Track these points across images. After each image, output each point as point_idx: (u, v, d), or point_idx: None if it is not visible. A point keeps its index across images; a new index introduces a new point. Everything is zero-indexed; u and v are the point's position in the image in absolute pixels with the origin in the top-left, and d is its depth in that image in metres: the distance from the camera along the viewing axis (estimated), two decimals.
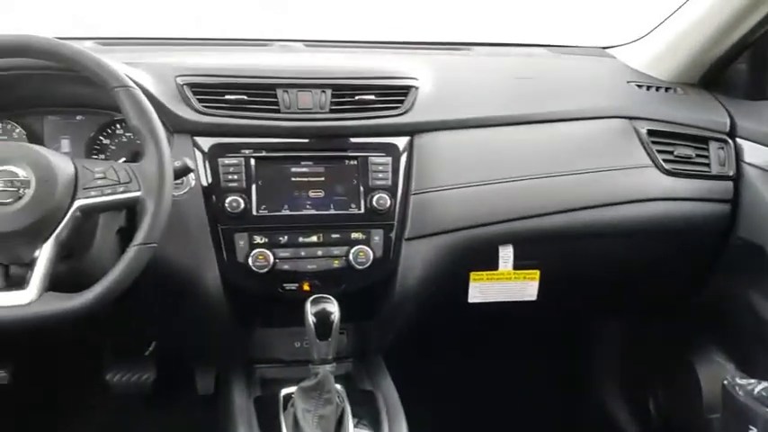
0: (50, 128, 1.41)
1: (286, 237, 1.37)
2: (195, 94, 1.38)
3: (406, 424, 1.36)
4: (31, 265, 1.08)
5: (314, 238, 1.38)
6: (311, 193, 1.39)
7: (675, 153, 1.58)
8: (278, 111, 1.40)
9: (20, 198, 1.08)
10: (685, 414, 1.85)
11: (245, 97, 1.39)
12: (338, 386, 1.33)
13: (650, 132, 1.58)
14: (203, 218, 1.35)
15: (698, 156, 1.59)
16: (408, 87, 1.47)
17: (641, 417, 2.03)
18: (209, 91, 1.39)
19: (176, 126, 1.36)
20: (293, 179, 1.39)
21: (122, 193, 1.12)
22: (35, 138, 1.39)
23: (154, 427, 1.99)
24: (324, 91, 1.42)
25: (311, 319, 1.27)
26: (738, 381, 1.45)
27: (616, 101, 1.64)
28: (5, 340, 1.74)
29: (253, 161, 1.38)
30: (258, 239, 1.36)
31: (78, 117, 1.42)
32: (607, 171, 1.53)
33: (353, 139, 1.43)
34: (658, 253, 1.64)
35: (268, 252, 1.35)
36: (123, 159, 1.38)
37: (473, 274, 1.53)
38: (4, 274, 1.10)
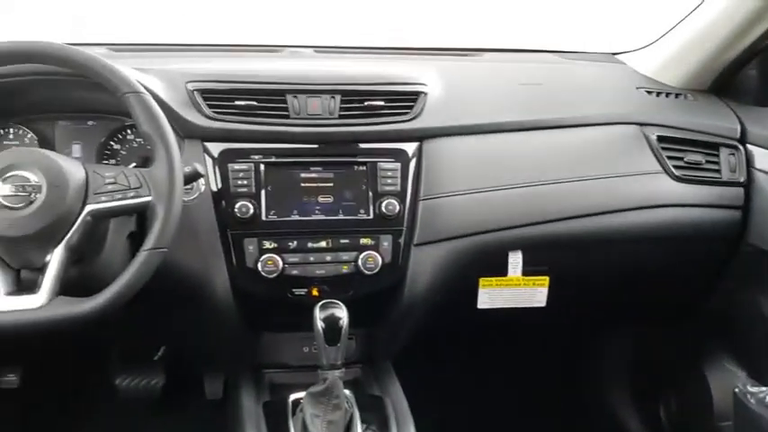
0: (61, 133, 1.42)
1: (295, 242, 1.38)
2: (205, 99, 1.39)
3: (414, 430, 1.36)
4: (42, 269, 1.09)
5: (323, 244, 1.39)
6: (320, 199, 1.40)
7: (686, 159, 1.57)
8: (287, 116, 1.40)
9: (31, 203, 1.08)
10: (696, 422, 1.84)
11: (255, 103, 1.40)
12: (347, 391, 1.32)
13: (660, 138, 1.58)
14: (213, 223, 1.36)
15: (708, 162, 1.59)
16: (417, 93, 1.48)
17: (652, 425, 2.01)
18: (219, 97, 1.40)
19: (186, 132, 1.36)
20: (302, 185, 1.40)
21: (133, 198, 1.13)
22: (46, 143, 1.40)
23: (163, 431, 1.99)
24: (333, 97, 1.42)
25: (320, 324, 1.27)
26: (750, 389, 1.45)
27: (626, 107, 1.64)
28: (15, 344, 1.75)
29: (262, 167, 1.38)
30: (267, 244, 1.36)
31: (89, 122, 1.43)
32: (617, 177, 1.53)
33: (362, 145, 1.43)
34: (668, 259, 1.63)
35: (277, 257, 1.36)
36: (134, 165, 1.38)
37: (482, 280, 1.53)
38: (16, 278, 1.11)
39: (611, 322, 2.07)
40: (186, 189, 1.29)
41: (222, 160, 1.37)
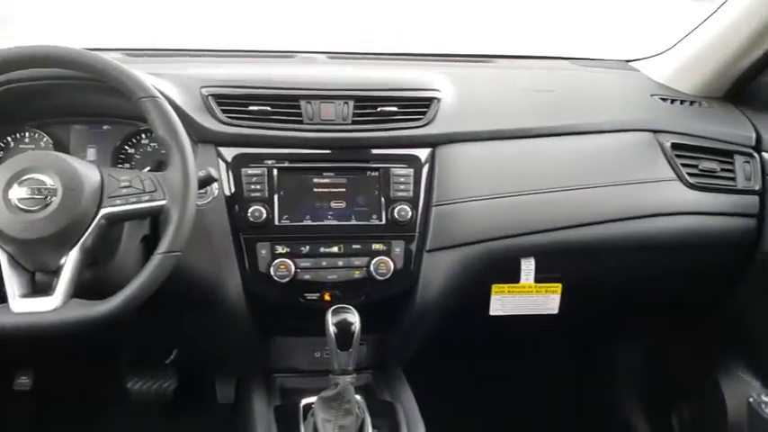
0: (76, 137, 1.43)
1: (307, 247, 1.38)
2: (219, 104, 1.40)
3: None
4: (56, 272, 1.10)
5: (335, 249, 1.39)
6: (333, 204, 1.40)
7: (700, 167, 1.56)
8: (301, 122, 1.41)
9: (47, 206, 1.09)
10: None
11: (269, 108, 1.41)
12: (358, 397, 1.32)
13: (674, 146, 1.57)
14: (226, 227, 1.36)
15: (723, 170, 1.58)
16: (431, 99, 1.48)
17: None
18: (233, 102, 1.40)
19: (200, 136, 1.37)
20: (315, 190, 1.40)
21: (147, 201, 1.13)
22: (61, 147, 1.41)
23: None
24: (346, 102, 1.43)
25: (332, 329, 1.27)
26: (764, 398, 1.44)
27: (640, 114, 1.63)
28: (28, 347, 1.76)
29: (275, 171, 1.39)
30: (280, 249, 1.37)
31: (104, 127, 1.44)
32: (630, 184, 1.52)
33: (375, 151, 1.43)
34: (682, 267, 1.62)
35: (289, 262, 1.36)
36: (148, 168, 1.39)
37: (494, 287, 1.52)
38: (31, 280, 1.12)
39: (623, 330, 2.05)
40: (200, 193, 1.30)
41: (236, 165, 1.38)
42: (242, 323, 1.43)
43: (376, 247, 1.39)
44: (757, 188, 1.58)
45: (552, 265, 1.51)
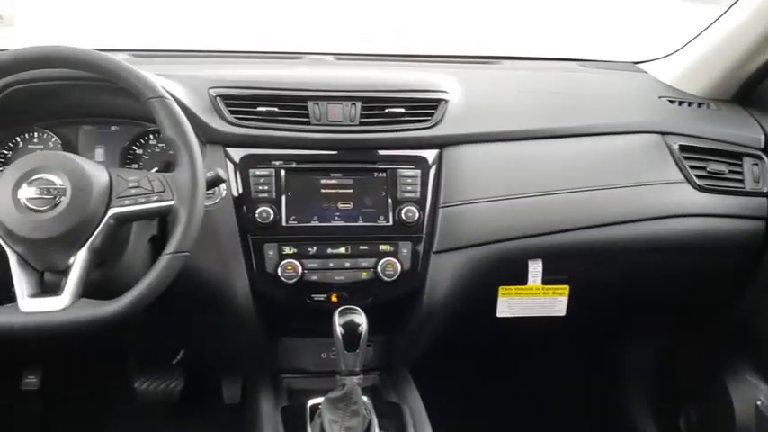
0: (85, 137, 1.43)
1: (315, 248, 1.38)
2: (227, 105, 1.40)
3: None
4: (65, 271, 1.10)
5: (342, 250, 1.39)
6: (340, 205, 1.40)
7: (708, 169, 1.56)
8: (308, 123, 1.41)
9: (56, 206, 1.10)
10: None
11: (277, 109, 1.41)
12: (365, 398, 1.32)
13: (682, 148, 1.57)
14: (234, 228, 1.36)
15: (731, 172, 1.57)
16: (438, 100, 1.48)
17: None
18: (241, 103, 1.41)
19: (209, 137, 1.38)
20: (322, 191, 1.40)
21: (156, 202, 1.14)
22: (70, 147, 1.42)
23: None
24: (354, 103, 1.43)
25: (339, 330, 1.27)
26: None
27: (647, 116, 1.63)
28: (36, 346, 1.77)
29: (283, 172, 1.39)
30: (287, 250, 1.37)
31: (113, 127, 1.44)
32: (638, 186, 1.52)
33: (383, 152, 1.43)
34: (689, 269, 1.62)
35: (297, 263, 1.36)
36: (156, 169, 1.39)
37: (502, 289, 1.52)
38: (39, 280, 1.12)
39: (630, 332, 2.05)
40: (208, 194, 1.31)
41: (243, 166, 1.38)
42: (249, 324, 1.43)
43: (383, 248, 1.39)
44: (765, 190, 1.57)
45: (560, 266, 1.51)
